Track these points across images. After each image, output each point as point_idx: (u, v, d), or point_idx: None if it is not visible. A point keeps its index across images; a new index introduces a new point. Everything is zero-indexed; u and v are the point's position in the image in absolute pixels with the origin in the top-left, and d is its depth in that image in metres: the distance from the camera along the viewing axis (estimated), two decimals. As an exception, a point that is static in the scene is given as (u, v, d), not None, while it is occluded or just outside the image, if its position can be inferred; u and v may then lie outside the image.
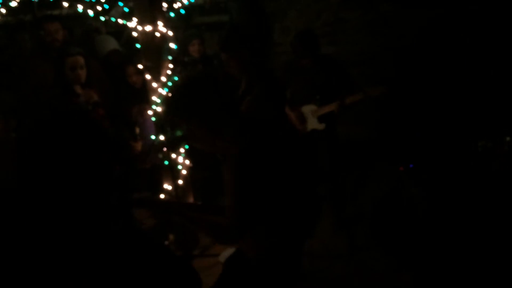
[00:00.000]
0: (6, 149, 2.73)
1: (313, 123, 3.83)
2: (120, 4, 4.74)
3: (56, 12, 5.09)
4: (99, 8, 3.54)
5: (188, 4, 4.02)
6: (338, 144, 3.89)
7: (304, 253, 3.40)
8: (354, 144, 4.51)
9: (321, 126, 3.80)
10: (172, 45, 3.60)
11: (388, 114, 4.44)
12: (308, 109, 3.82)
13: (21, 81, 3.75)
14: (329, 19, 5.13)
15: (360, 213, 4.02)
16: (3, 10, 3.23)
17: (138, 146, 3.76)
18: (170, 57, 3.61)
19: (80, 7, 3.45)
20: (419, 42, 4.61)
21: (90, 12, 3.49)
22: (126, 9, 4.85)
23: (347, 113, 3.78)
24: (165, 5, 3.79)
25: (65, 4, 3.34)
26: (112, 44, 4.56)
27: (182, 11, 3.97)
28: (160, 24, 3.50)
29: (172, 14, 3.89)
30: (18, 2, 3.36)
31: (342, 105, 3.66)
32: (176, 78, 3.74)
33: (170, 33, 3.57)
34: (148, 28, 3.48)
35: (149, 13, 3.48)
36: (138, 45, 3.64)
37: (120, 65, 4.31)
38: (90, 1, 3.98)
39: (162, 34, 3.51)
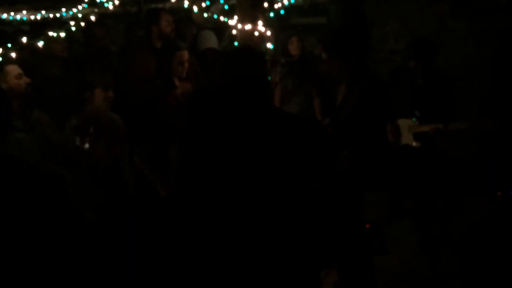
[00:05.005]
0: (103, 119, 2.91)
1: (407, 139, 3.63)
2: (221, 1, 4.85)
3: (161, 5, 5.33)
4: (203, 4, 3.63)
5: (288, 5, 4.02)
6: (431, 162, 3.67)
7: (383, 270, 3.31)
8: (450, 162, 4.23)
9: (415, 144, 3.60)
10: (269, 45, 3.61)
11: (492, 135, 4.11)
12: (405, 123, 3.63)
13: (128, 70, 3.95)
14: (434, 28, 4.86)
15: (449, 236, 3.78)
16: (117, 2, 3.42)
17: None
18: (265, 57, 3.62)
19: (186, 2, 3.55)
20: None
21: (195, 8, 3.59)
22: (226, 7, 4.96)
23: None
24: (265, 5, 3.81)
25: (173, -1, 3.46)
26: (212, 42, 4.66)
27: (282, 12, 3.97)
28: (260, 23, 3.52)
29: (271, 14, 3.91)
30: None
31: (443, 129, 3.43)
32: (269, 78, 3.74)
33: (268, 33, 3.58)
34: (248, 27, 3.51)
35: (251, 12, 3.52)
36: (236, 43, 3.69)
37: (214, 61, 4.40)
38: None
39: (261, 33, 3.53)
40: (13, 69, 2.74)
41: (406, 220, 4.00)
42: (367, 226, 3.52)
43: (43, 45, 3.35)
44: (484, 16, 4.63)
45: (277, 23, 5.18)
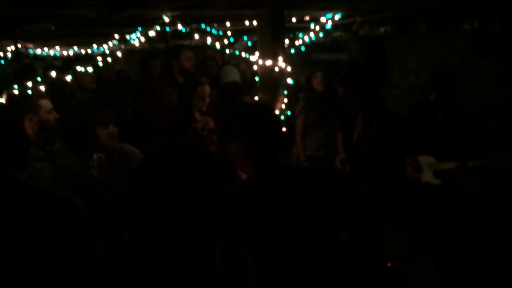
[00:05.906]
0: (108, 155, 2.94)
1: (428, 176, 3.58)
2: (245, 38, 5.00)
3: (187, 42, 5.52)
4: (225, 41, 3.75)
5: (309, 42, 4.11)
6: (452, 199, 3.61)
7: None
8: (471, 198, 4.15)
9: (436, 181, 3.55)
10: (289, 80, 3.68)
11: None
12: (425, 160, 3.59)
13: (149, 100, 4.09)
14: (454, 64, 4.88)
15: (470, 274, 3.67)
16: (143, 39, 3.57)
17: (244, 174, 3.86)
18: (286, 92, 3.68)
19: (209, 39, 3.68)
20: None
21: (217, 45, 3.71)
22: (249, 43, 5.10)
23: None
24: (286, 41, 3.91)
25: (196, 36, 3.59)
26: (234, 76, 4.80)
27: (303, 48, 4.06)
28: (280, 59, 3.60)
29: (292, 51, 4.00)
30: (156, 32, 3.68)
31: (463, 167, 3.39)
32: (289, 113, 3.80)
33: (289, 68, 3.65)
34: (269, 62, 3.60)
35: (271, 48, 3.61)
36: (257, 78, 3.78)
37: (237, 95, 4.51)
38: (218, 33, 4.26)
39: (281, 69, 3.61)
40: (46, 104, 2.88)
41: (426, 257, 3.91)
42: (389, 264, 3.46)
43: (74, 77, 3.53)
44: (504, 53, 4.63)
45: (298, 59, 5.29)
